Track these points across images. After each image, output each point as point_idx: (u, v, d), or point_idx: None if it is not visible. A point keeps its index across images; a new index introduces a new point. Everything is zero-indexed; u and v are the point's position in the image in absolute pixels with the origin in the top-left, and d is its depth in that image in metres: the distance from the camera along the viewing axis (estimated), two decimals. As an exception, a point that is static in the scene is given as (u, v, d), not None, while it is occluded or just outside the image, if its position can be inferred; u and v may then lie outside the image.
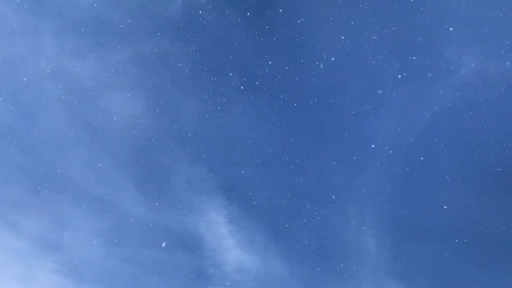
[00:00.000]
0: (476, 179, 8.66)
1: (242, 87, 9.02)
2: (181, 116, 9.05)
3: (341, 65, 8.86)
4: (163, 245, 8.72)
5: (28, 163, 9.00)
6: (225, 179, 9.23)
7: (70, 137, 9.03)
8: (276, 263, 9.25)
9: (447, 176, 8.78)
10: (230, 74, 9.02)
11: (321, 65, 8.86)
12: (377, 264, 9.02)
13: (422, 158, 8.88)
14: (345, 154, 9.10)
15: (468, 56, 8.53)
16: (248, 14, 8.83)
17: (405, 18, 8.57)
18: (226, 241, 9.29)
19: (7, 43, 8.72)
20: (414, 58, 8.68)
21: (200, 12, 8.81)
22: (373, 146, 8.96)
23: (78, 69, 8.87)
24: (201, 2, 8.79)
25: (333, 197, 9.10)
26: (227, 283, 9.23)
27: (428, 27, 8.60)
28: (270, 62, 8.94)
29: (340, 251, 9.14)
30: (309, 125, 9.11)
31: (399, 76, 8.75)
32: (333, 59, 8.81)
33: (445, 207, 8.79)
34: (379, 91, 8.86)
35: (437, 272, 8.85)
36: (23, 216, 9.07)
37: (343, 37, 8.70)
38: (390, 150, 8.95)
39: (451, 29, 8.49)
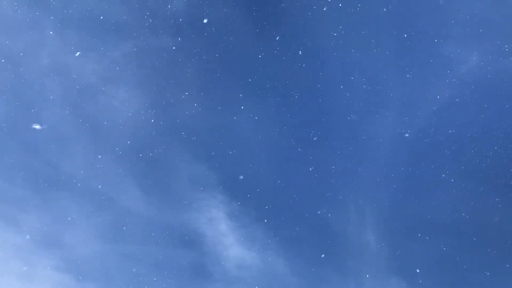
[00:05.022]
0: (477, 176, 8.69)
1: (243, 85, 9.04)
2: (182, 113, 9.05)
3: (343, 64, 8.88)
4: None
5: (29, 159, 8.99)
6: (226, 176, 9.24)
7: (71, 133, 9.03)
8: (276, 260, 9.25)
9: (447, 174, 8.80)
10: (232, 71, 9.04)
11: (323, 65, 8.89)
12: (378, 262, 9.02)
13: (422, 156, 8.90)
14: (346, 152, 9.11)
15: (468, 54, 8.56)
16: (251, 12, 8.85)
17: (406, 16, 8.60)
18: (227, 238, 9.29)
19: (7, 39, 8.71)
20: (415, 56, 8.72)
21: (203, 9, 8.82)
22: (373, 144, 8.99)
23: (79, 65, 8.87)
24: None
25: (334, 194, 9.12)
26: (227, 280, 9.23)
27: (428, 25, 8.63)
28: (272, 61, 8.95)
29: (341, 248, 9.15)
30: (310, 123, 9.12)
31: (400, 74, 8.78)
32: (334, 58, 8.84)
33: (446, 205, 8.81)
34: (379, 89, 8.89)
35: (438, 270, 8.86)
36: (23, 213, 9.05)
37: (345, 37, 8.72)
38: (391, 148, 8.97)
39: (451, 27, 8.52)
